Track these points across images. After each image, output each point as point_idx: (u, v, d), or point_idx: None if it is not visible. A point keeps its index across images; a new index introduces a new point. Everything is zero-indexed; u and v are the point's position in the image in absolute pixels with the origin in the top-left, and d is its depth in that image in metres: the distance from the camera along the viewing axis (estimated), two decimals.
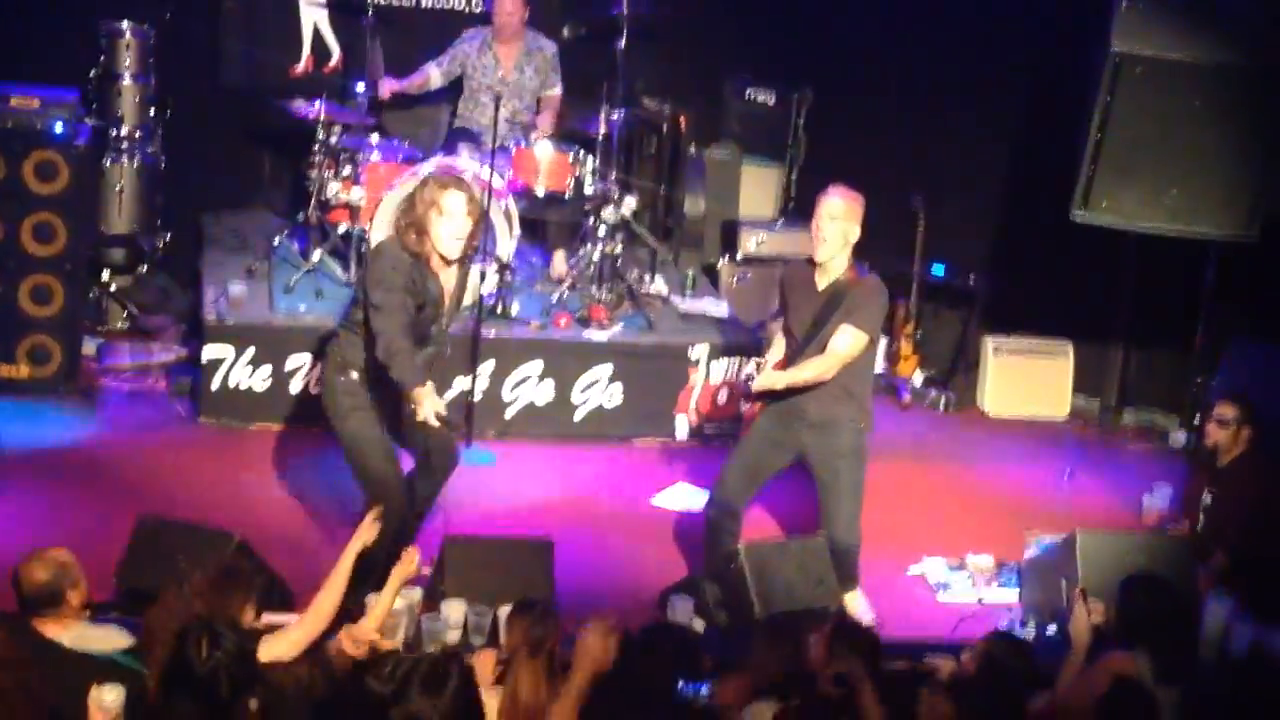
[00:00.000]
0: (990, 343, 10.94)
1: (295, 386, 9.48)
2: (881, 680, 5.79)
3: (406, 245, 7.06)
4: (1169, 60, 8.83)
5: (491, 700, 5.56)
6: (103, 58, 10.28)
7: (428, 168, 9.75)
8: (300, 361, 9.48)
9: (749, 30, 11.59)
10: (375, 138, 10.13)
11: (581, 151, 10.09)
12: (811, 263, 7.62)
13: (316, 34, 10.96)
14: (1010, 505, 9.43)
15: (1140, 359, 10.90)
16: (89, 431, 9.26)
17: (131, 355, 10.03)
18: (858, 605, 7.79)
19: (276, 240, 10.30)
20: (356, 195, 9.81)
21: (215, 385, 9.45)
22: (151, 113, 10.41)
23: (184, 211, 10.85)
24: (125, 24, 10.30)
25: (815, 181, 11.19)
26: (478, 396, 9.45)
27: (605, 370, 9.81)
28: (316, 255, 10.02)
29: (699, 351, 9.85)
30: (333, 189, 9.88)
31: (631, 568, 8.32)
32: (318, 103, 10.02)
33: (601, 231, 10.15)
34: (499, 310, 9.73)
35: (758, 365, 7.99)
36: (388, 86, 10.41)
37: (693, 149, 11.34)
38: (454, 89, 10.67)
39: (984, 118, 10.90)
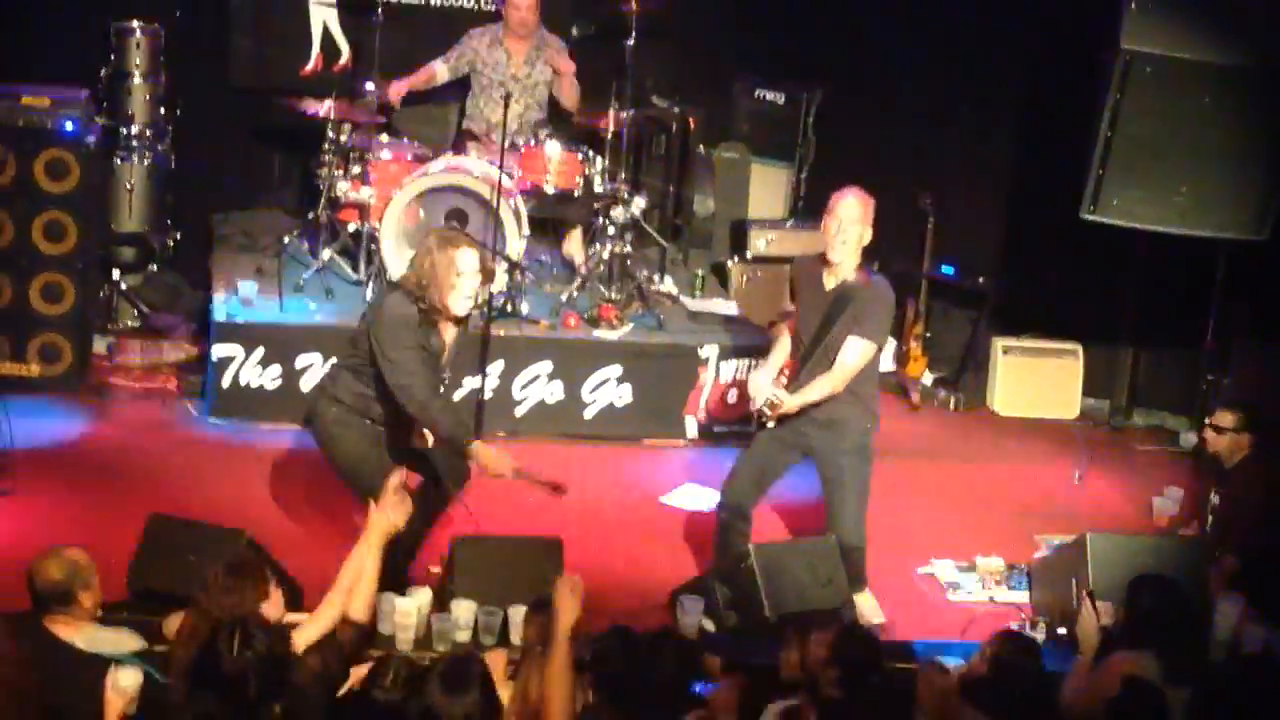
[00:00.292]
0: (1000, 343, 10.94)
1: (305, 385, 9.48)
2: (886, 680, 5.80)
3: (414, 300, 7.07)
4: (1179, 60, 8.83)
5: (502, 694, 5.57)
6: (113, 57, 10.30)
7: (438, 166, 9.77)
8: (310, 360, 9.49)
9: (758, 30, 11.59)
10: (385, 137, 10.14)
11: (591, 151, 10.11)
12: (820, 259, 7.61)
13: (326, 33, 10.97)
14: (1019, 506, 9.42)
15: (1150, 360, 10.89)
16: (99, 430, 9.27)
17: (142, 354, 10.04)
18: (867, 606, 7.80)
19: (286, 239, 10.31)
20: (366, 194, 9.82)
21: (225, 384, 9.46)
22: (162, 112, 10.42)
23: (194, 210, 10.86)
24: (135, 23, 10.32)
25: (824, 181, 11.23)
26: (487, 395, 9.45)
27: (615, 370, 9.81)
28: (326, 254, 10.03)
29: (708, 351, 9.85)
30: (342, 188, 9.90)
31: (641, 567, 8.32)
32: (327, 101, 10.03)
33: (611, 231, 10.15)
34: (508, 309, 9.74)
35: (751, 365, 7.93)
36: (396, 89, 10.38)
37: (702, 149, 11.33)
38: (463, 88, 10.67)
39: (993, 118, 10.90)
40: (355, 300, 9.80)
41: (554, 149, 10.01)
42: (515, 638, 6.59)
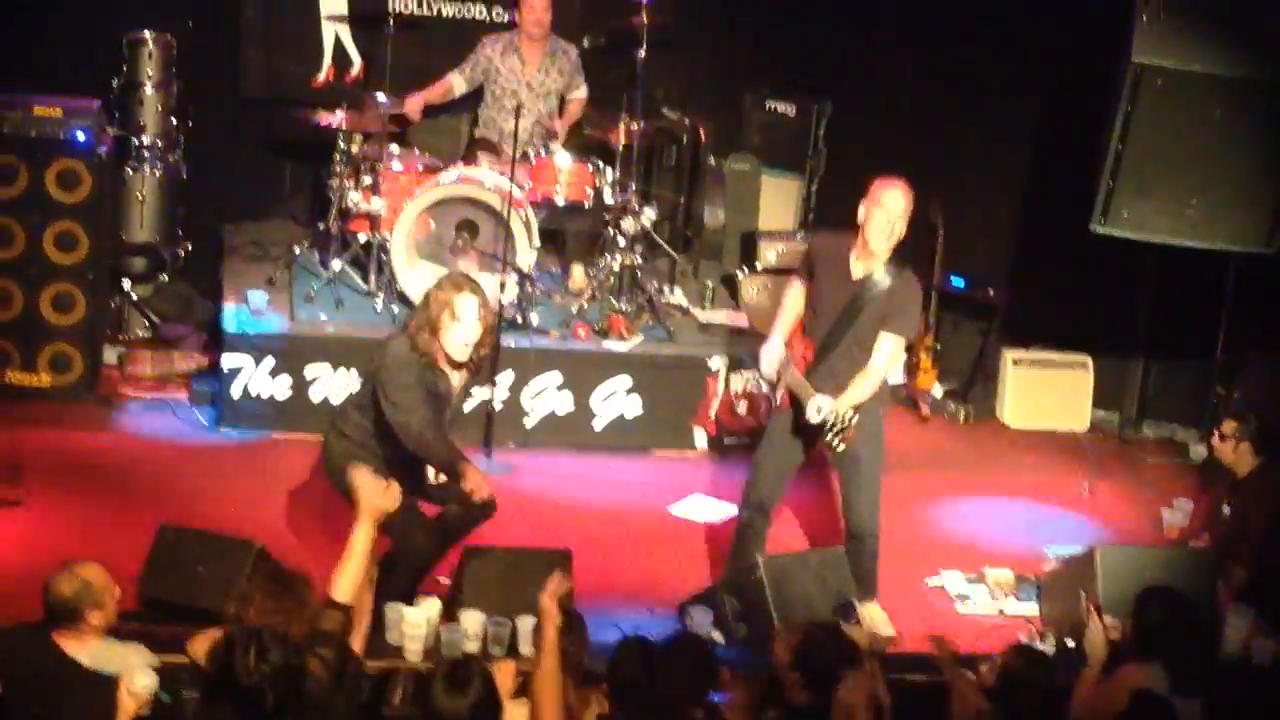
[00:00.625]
0: (1009, 355, 10.92)
1: (315, 396, 9.51)
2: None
3: (417, 344, 7.08)
4: (1190, 72, 8.82)
5: (518, 710, 5.57)
6: (125, 67, 10.31)
7: (449, 177, 9.79)
8: (320, 371, 9.51)
9: (769, 41, 11.59)
10: (396, 147, 10.15)
11: (601, 162, 10.12)
12: (846, 244, 7.57)
13: (337, 44, 10.98)
14: (1029, 519, 9.42)
15: (1160, 372, 10.88)
16: (109, 440, 9.28)
17: (152, 364, 10.05)
18: (877, 618, 7.79)
19: (297, 249, 10.32)
20: (377, 205, 9.83)
21: (236, 394, 9.48)
22: (173, 122, 10.43)
23: (205, 220, 10.87)
24: (147, 33, 10.32)
25: (835, 193, 11.27)
26: (497, 407, 9.46)
27: (624, 381, 9.82)
28: (337, 265, 10.03)
29: (718, 363, 9.85)
30: (353, 198, 9.91)
31: (650, 578, 8.32)
32: (339, 112, 10.04)
33: (621, 242, 10.15)
34: (518, 321, 9.74)
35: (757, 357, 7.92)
36: (413, 103, 10.39)
37: (712, 160, 11.32)
38: (474, 98, 10.68)
39: (1003, 130, 10.89)
40: (366, 311, 9.81)
41: (565, 160, 10.02)
42: (524, 648, 6.60)
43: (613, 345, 9.90)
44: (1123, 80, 8.88)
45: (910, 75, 11.15)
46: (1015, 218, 10.99)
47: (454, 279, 7.26)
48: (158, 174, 10.37)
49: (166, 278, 10.62)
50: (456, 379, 7.22)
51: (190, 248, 10.73)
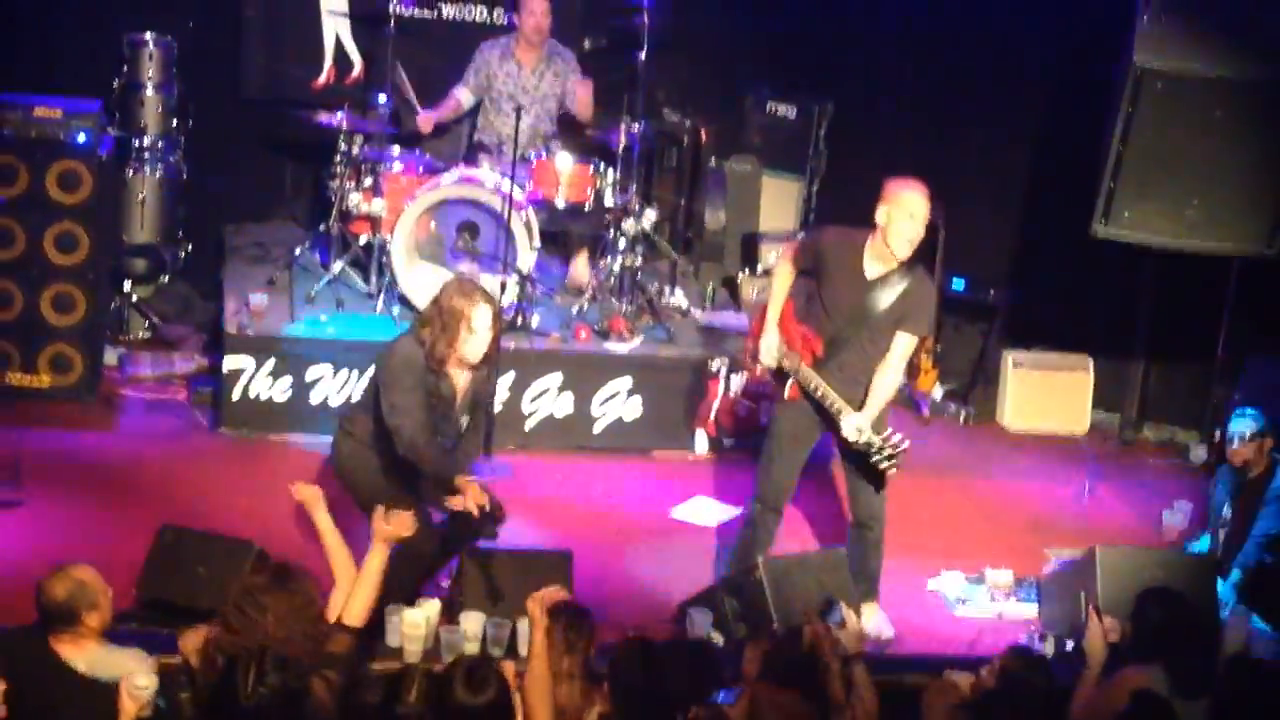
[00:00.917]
0: (1010, 357, 10.92)
1: (316, 397, 9.51)
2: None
3: (426, 347, 7.07)
4: (1190, 75, 8.82)
5: None
6: (126, 68, 10.33)
7: (449, 178, 9.79)
8: (321, 372, 9.51)
9: (770, 43, 11.59)
10: (397, 149, 10.15)
11: (602, 164, 10.11)
12: (857, 240, 7.56)
13: (338, 45, 10.99)
14: (1029, 520, 9.42)
15: (1160, 374, 10.87)
16: (109, 441, 9.29)
17: (153, 365, 10.06)
18: (876, 619, 7.80)
19: (298, 251, 10.33)
20: (378, 206, 9.84)
21: (236, 395, 9.48)
22: (174, 123, 10.45)
23: (206, 222, 10.89)
24: (148, 35, 10.35)
25: (836, 195, 11.28)
26: (497, 408, 9.45)
27: (625, 383, 9.82)
28: (338, 266, 10.04)
29: (719, 364, 9.85)
30: (354, 200, 9.91)
31: (650, 580, 8.33)
32: (339, 113, 10.05)
33: (622, 244, 10.16)
34: (519, 322, 9.74)
35: (750, 349, 7.92)
36: (426, 121, 10.38)
37: (713, 161, 11.33)
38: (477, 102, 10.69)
39: (1004, 132, 10.89)
40: (367, 312, 9.81)
41: (565, 162, 10.02)
42: (524, 650, 6.60)
43: (613, 347, 9.90)
44: (1123, 82, 8.87)
45: (911, 77, 11.15)
46: (1016, 219, 10.99)
47: (464, 287, 7.23)
48: (158, 175, 10.39)
49: (167, 279, 10.63)
50: (462, 380, 7.22)
51: (191, 249, 10.75)
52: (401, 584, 7.01)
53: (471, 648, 6.66)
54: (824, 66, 11.53)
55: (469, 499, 6.95)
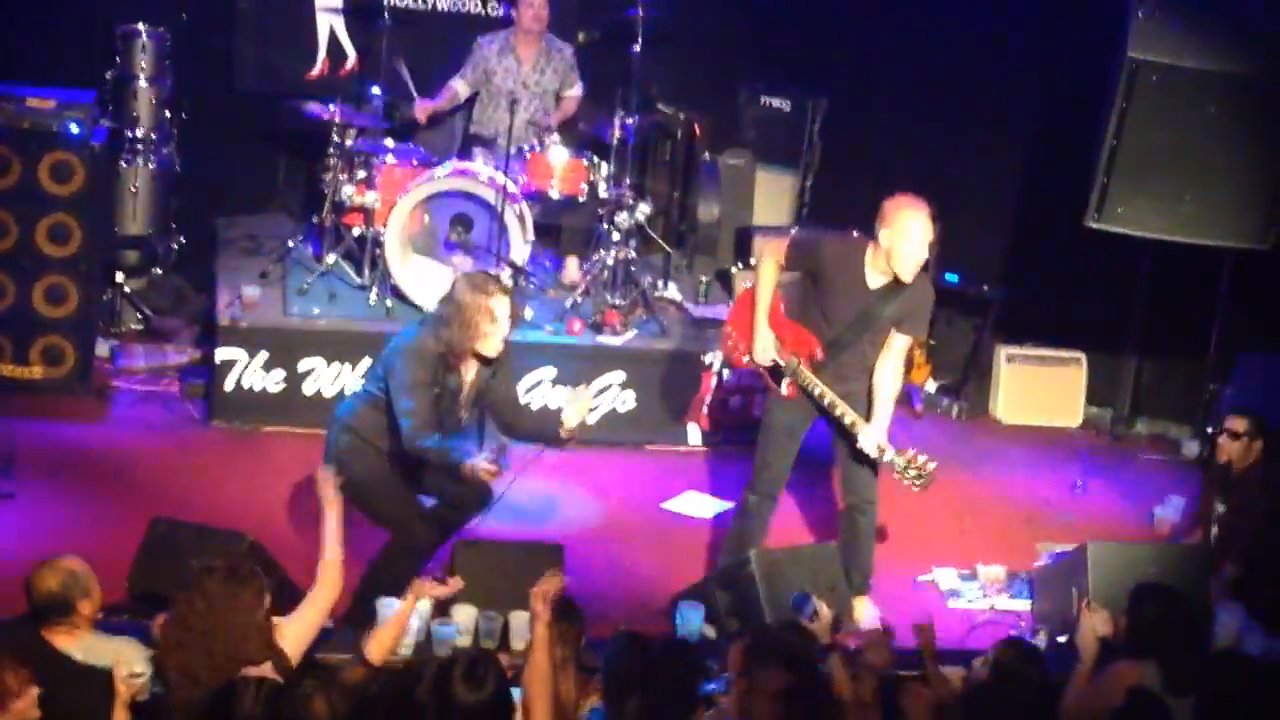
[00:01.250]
0: (1003, 351, 10.93)
1: (308, 390, 9.50)
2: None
3: (444, 341, 7.07)
4: (1185, 68, 8.82)
5: None
6: (118, 60, 10.29)
7: (443, 171, 9.78)
8: (313, 364, 9.50)
9: (764, 36, 11.58)
10: (390, 141, 10.14)
11: (596, 157, 10.11)
12: (859, 251, 7.59)
13: (332, 37, 10.98)
14: (1021, 514, 9.43)
15: (1153, 369, 10.88)
16: (101, 433, 9.27)
17: (145, 357, 10.04)
18: (867, 612, 7.80)
19: (291, 243, 10.32)
20: (371, 198, 9.83)
21: (228, 387, 9.47)
22: (167, 115, 10.43)
23: (198, 214, 10.86)
24: (141, 27, 10.31)
25: (830, 188, 11.27)
26: None
27: (618, 375, 9.81)
28: (331, 258, 10.04)
29: (712, 358, 9.84)
30: (347, 192, 9.90)
31: (643, 573, 8.33)
32: (333, 106, 10.04)
33: (615, 237, 10.15)
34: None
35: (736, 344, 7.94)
36: (423, 110, 10.39)
37: (707, 155, 11.33)
38: (471, 96, 10.68)
39: (998, 125, 10.89)
40: (359, 304, 9.81)
41: (559, 155, 10.01)
42: (516, 643, 6.60)
43: (606, 340, 9.90)
44: (1118, 76, 8.88)
45: (905, 71, 11.14)
46: (1010, 214, 10.99)
47: (476, 281, 7.24)
48: (151, 167, 10.36)
49: (159, 271, 10.61)
50: (470, 374, 7.23)
51: (183, 241, 10.73)
52: (397, 575, 7.02)
53: (463, 641, 6.65)
54: (818, 60, 11.53)
55: (482, 474, 7.01)
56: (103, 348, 9.96)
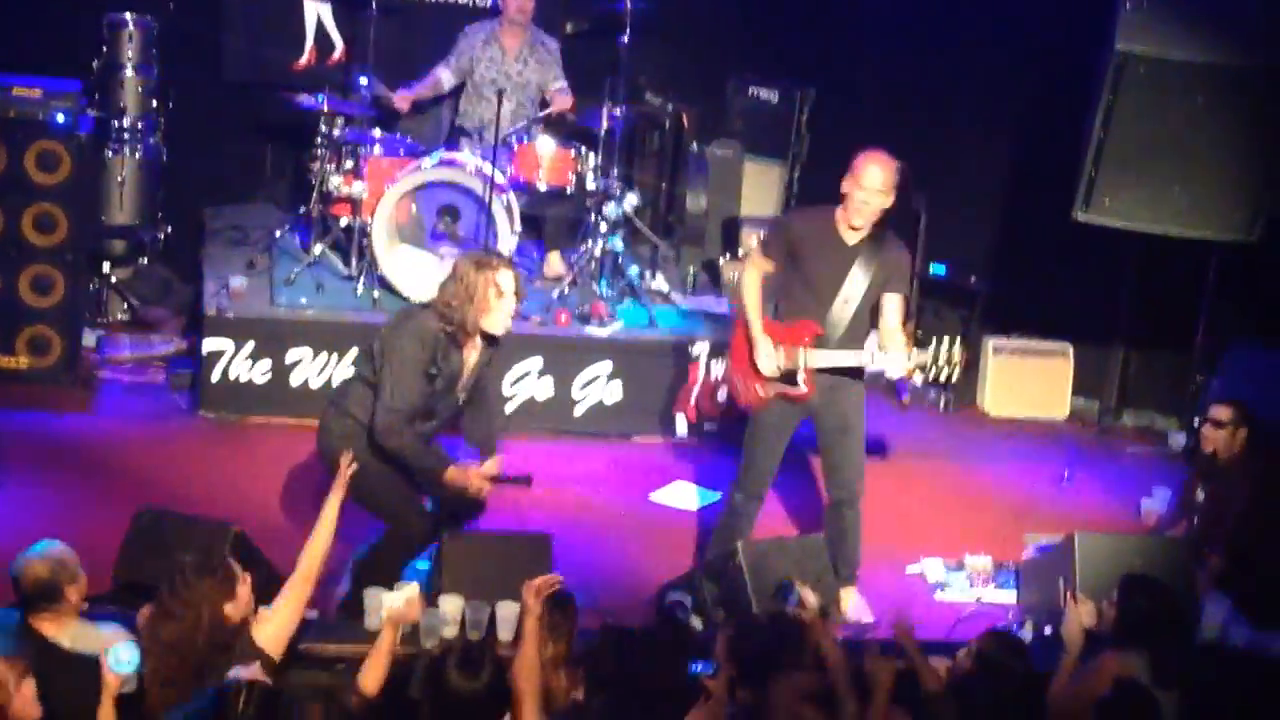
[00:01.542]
0: (990, 343, 10.94)
1: (295, 380, 9.49)
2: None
3: (447, 320, 7.03)
4: (1172, 60, 8.82)
5: None
6: (105, 49, 10.27)
7: (430, 161, 9.76)
8: (300, 355, 9.49)
9: (752, 27, 11.58)
10: (378, 132, 10.13)
11: (583, 148, 10.10)
12: (828, 215, 7.61)
13: (319, 26, 10.95)
14: (1009, 506, 9.43)
15: (1140, 361, 10.89)
16: (87, 423, 9.26)
17: (131, 347, 10.04)
18: (855, 604, 7.80)
19: (278, 233, 10.31)
20: (358, 189, 9.81)
21: (215, 378, 9.46)
22: (154, 104, 10.40)
23: (185, 204, 10.85)
24: (128, 15, 10.29)
25: (818, 179, 11.25)
26: None
27: (605, 367, 9.81)
28: (318, 249, 10.02)
29: (700, 348, 9.84)
30: (335, 182, 9.89)
31: (630, 564, 8.33)
32: (320, 96, 10.02)
33: (603, 228, 10.15)
34: None
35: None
36: (403, 97, 10.38)
37: (695, 146, 11.32)
38: (458, 87, 10.65)
39: (986, 117, 10.89)
40: (346, 295, 9.80)
41: (547, 146, 10.00)
42: (503, 633, 6.59)
43: (594, 331, 9.89)
44: (1105, 68, 8.87)
45: (893, 62, 11.14)
46: (997, 205, 10.99)
47: (478, 258, 7.22)
48: (138, 156, 10.34)
49: (146, 260, 10.60)
50: (472, 358, 7.20)
51: (170, 231, 10.71)
52: (389, 567, 7.02)
53: (450, 631, 6.65)
54: (806, 52, 11.52)
55: (474, 484, 7.06)
56: (89, 338, 9.95)
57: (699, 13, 11.48)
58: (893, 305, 7.61)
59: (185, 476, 8.66)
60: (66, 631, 5.75)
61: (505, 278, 7.07)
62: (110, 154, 10.25)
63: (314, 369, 9.49)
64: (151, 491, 8.06)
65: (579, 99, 10.52)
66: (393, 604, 6.48)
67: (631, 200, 10.33)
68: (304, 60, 10.96)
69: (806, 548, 7.55)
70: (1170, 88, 8.85)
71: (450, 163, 9.80)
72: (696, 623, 7.18)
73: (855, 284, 7.56)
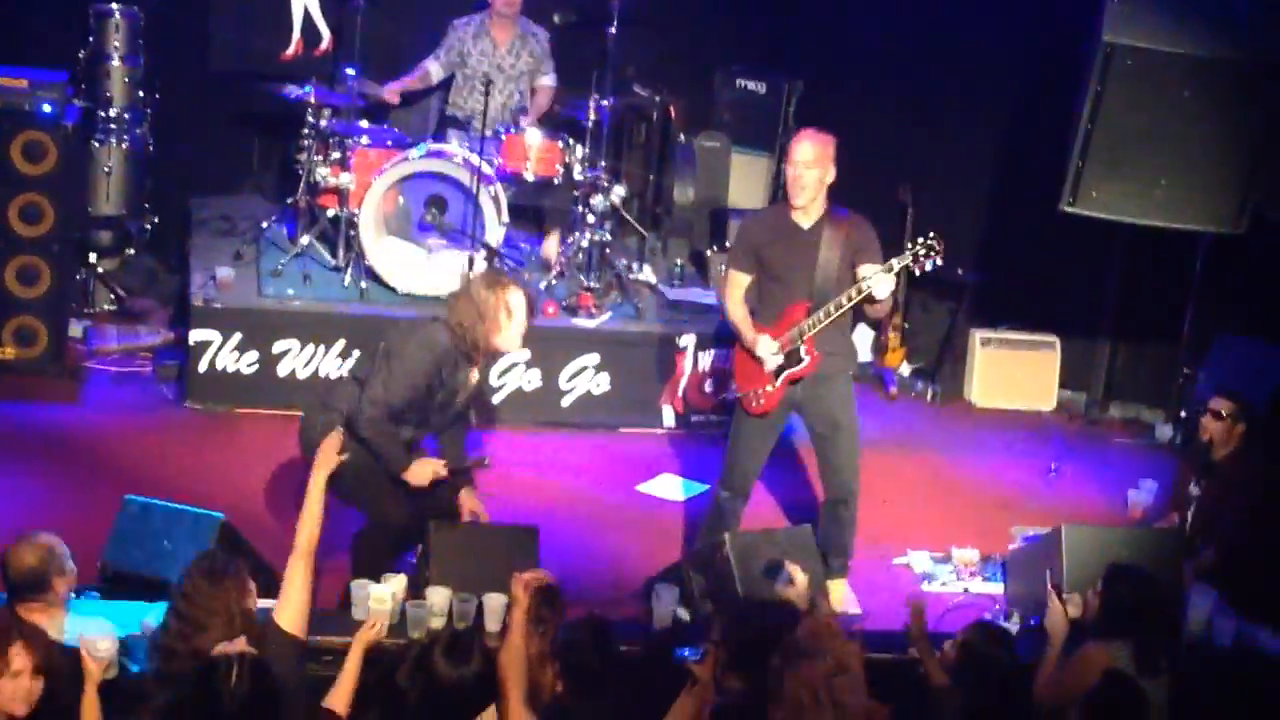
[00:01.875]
0: (978, 335, 10.94)
1: (282, 371, 9.48)
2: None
3: (458, 336, 7.06)
4: (1160, 52, 8.82)
5: None
6: (92, 39, 10.24)
7: (418, 152, 9.75)
8: (288, 345, 9.48)
9: (740, 19, 11.57)
10: (365, 123, 10.12)
11: (571, 139, 10.09)
12: (779, 207, 7.70)
13: (307, 17, 10.92)
14: (996, 498, 9.45)
15: (1127, 353, 10.90)
16: (74, 414, 9.24)
17: (118, 338, 10.02)
18: (844, 596, 7.81)
19: (265, 224, 10.30)
20: (346, 180, 9.79)
21: (202, 368, 9.45)
22: (140, 95, 10.38)
23: (172, 194, 10.83)
24: (115, 5, 10.26)
25: None
26: None
27: (592, 358, 9.81)
28: (305, 239, 10.01)
29: (687, 340, 9.85)
30: (322, 173, 9.87)
31: (617, 555, 8.33)
32: (307, 86, 10.00)
33: (590, 219, 10.14)
34: None
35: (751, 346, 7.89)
36: (392, 91, 10.38)
37: (682, 137, 11.31)
38: (447, 79, 10.64)
39: (973, 109, 10.89)
40: (334, 286, 9.79)
41: (534, 137, 10.00)
42: (490, 624, 6.59)
43: (581, 322, 9.89)
44: (1093, 59, 8.87)
45: (881, 55, 11.13)
46: (984, 198, 11.00)
47: (489, 278, 7.29)
48: (124, 147, 10.32)
49: (133, 251, 10.59)
50: (475, 376, 7.26)
51: (157, 221, 10.69)
52: (375, 559, 7.02)
53: (438, 622, 6.64)
54: (793, 44, 11.52)
55: (429, 472, 7.08)
56: (75, 328, 9.92)
57: (687, 4, 11.47)
58: (879, 285, 7.52)
59: (172, 467, 8.65)
60: (53, 622, 5.73)
61: (516, 298, 7.13)
62: (97, 144, 10.23)
63: (301, 360, 9.48)
64: (138, 482, 8.05)
65: (567, 90, 10.52)
66: (379, 595, 6.49)
67: (619, 192, 10.32)
68: (291, 51, 10.93)
69: (794, 538, 7.53)
70: (1158, 79, 8.85)
71: (438, 154, 9.79)
72: (683, 613, 7.18)
73: (826, 264, 7.59)
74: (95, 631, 5.61)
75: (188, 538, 6.80)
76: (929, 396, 10.86)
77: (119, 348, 9.94)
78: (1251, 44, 8.84)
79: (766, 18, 11.51)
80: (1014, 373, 10.94)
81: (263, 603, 5.95)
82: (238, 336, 9.45)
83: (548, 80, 10.57)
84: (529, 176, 10.01)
